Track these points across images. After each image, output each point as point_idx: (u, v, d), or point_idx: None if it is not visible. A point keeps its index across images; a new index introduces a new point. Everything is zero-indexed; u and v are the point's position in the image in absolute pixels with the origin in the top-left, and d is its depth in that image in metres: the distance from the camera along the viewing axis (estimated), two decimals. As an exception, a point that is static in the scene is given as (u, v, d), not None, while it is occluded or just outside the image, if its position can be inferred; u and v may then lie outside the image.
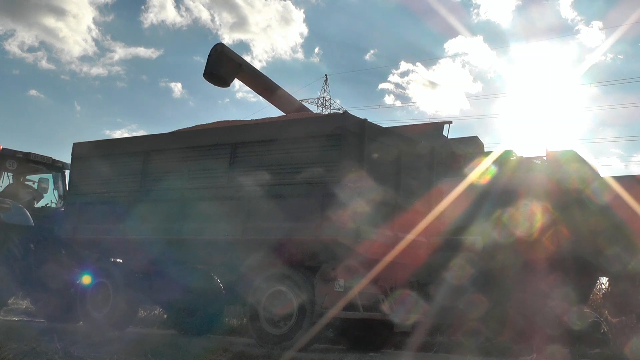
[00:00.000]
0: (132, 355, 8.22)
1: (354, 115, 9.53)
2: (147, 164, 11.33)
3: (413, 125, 13.62)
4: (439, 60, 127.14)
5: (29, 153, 14.92)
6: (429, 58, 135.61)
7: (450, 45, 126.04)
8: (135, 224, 11.16)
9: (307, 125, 10.24)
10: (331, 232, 8.91)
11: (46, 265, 13.71)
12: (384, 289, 10.23)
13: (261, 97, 14.04)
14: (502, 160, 11.65)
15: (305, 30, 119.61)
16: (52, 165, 15.29)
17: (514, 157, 11.84)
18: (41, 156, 15.14)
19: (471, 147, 12.58)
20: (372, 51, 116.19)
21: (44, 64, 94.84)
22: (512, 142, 12.22)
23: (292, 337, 9.16)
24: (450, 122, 12.90)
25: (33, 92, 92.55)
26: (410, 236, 9.76)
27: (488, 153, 12.13)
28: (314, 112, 15.66)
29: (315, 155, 9.33)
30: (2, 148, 14.63)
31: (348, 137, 9.14)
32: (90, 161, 12.33)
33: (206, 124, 11.74)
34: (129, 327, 11.98)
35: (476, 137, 12.83)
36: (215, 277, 12.25)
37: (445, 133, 12.91)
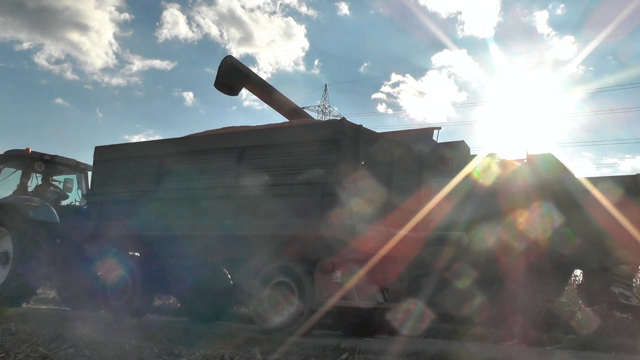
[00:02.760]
0: (150, 341, 8.38)
1: (350, 122, 9.77)
2: (162, 165, 11.48)
3: (405, 130, 13.82)
4: (427, 72, 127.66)
5: (55, 156, 15.17)
6: (417, 70, 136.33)
7: (437, 58, 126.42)
8: (151, 220, 11.31)
9: (307, 130, 10.46)
10: (329, 228, 9.12)
11: (71, 258, 13.92)
12: (378, 280, 10.38)
13: (266, 105, 14.30)
14: (486, 163, 11.81)
15: (306, 44, 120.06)
16: (76, 167, 15.52)
17: (497, 160, 12.01)
18: (66, 158, 15.38)
19: (458, 150, 12.74)
20: (365, 64, 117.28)
21: (69, 75, 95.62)
22: (495, 146, 12.37)
23: (294, 324, 9.43)
24: (439, 128, 13.14)
25: (59, 100, 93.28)
26: (402, 232, 9.97)
27: (473, 156, 12.29)
28: (315, 118, 15.75)
29: (315, 157, 9.55)
30: (31, 151, 14.86)
31: (345, 141, 9.36)
32: (110, 163, 12.47)
33: (216, 129, 11.95)
34: (146, 314, 12.14)
35: (463, 141, 12.98)
36: (224, 269, 12.53)
37: (434, 138, 13.12)
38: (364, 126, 9.75)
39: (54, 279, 14.69)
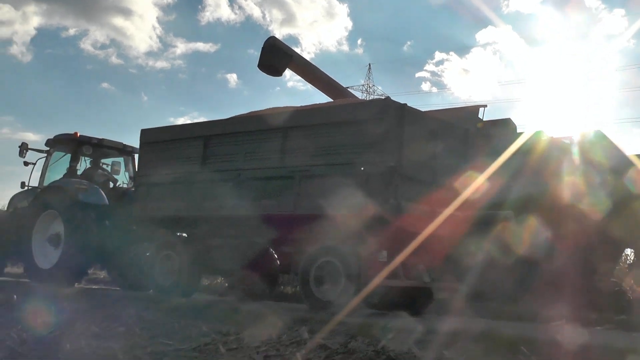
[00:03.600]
0: (199, 319, 8.55)
1: (394, 100, 9.77)
2: (207, 147, 11.59)
3: (450, 108, 13.66)
4: (472, 49, 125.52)
5: (103, 139, 15.39)
6: (461, 47, 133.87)
7: (482, 35, 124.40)
8: (197, 201, 11.46)
9: (352, 109, 10.46)
10: (375, 208, 9.17)
11: (119, 239, 14.10)
12: (424, 259, 10.35)
13: (310, 85, 14.26)
14: (534, 141, 11.67)
15: (349, 23, 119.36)
16: (123, 150, 15.73)
17: (544, 138, 11.85)
18: (113, 142, 15.62)
19: (504, 128, 12.62)
20: (409, 42, 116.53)
21: (114, 59, 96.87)
22: (542, 124, 12.16)
23: (340, 303, 9.37)
24: (485, 106, 13.01)
25: (105, 85, 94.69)
26: (447, 211, 9.84)
27: (520, 134, 12.16)
28: (359, 98, 15.63)
29: (360, 137, 9.57)
30: (79, 135, 15.08)
31: (389, 120, 9.37)
32: (156, 145, 12.63)
33: (260, 110, 11.97)
34: (193, 294, 12.21)
35: (509, 119, 12.83)
36: (270, 249, 12.57)
37: (480, 116, 13.01)
38: (408, 105, 9.70)
39: (104, 260, 15.05)
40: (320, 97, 15.04)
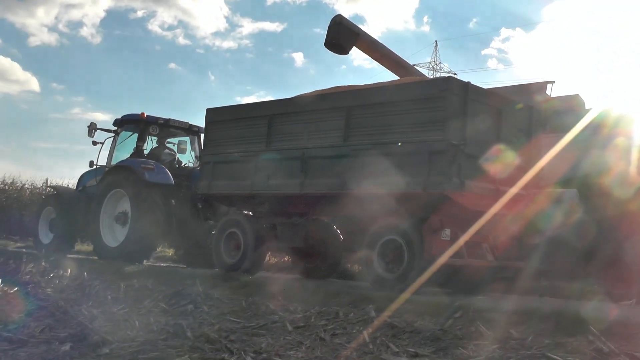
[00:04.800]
0: (265, 297, 8.69)
1: (457, 79, 9.82)
2: (272, 126, 11.58)
3: (518, 85, 13.38)
4: (538, 25, 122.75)
5: (169, 119, 15.60)
6: (528, 23, 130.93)
7: (549, 10, 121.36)
8: (262, 180, 11.49)
9: (415, 88, 10.36)
10: (438, 186, 9.14)
11: (186, 218, 14.37)
12: (487, 238, 10.37)
13: (376, 63, 14.17)
14: (603, 116, 11.42)
15: (415, 1, 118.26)
16: (189, 129, 15.87)
17: (614, 114, 11.57)
18: (179, 121, 15.79)
19: (573, 104, 12.39)
20: (475, 19, 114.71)
21: (181, 40, 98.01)
22: (612, 100, 11.82)
23: (404, 281, 9.37)
24: (552, 82, 12.76)
25: (172, 65, 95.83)
26: (512, 189, 9.80)
27: (589, 110, 11.91)
28: (426, 75, 15.57)
29: (423, 115, 9.47)
30: (146, 115, 15.32)
31: (452, 98, 9.24)
32: (221, 124, 12.68)
33: (324, 89, 11.90)
34: (259, 272, 12.29)
35: (577, 95, 12.55)
36: (335, 227, 12.61)
37: (548, 92, 12.77)
38: (472, 83, 9.61)
39: (171, 238, 15.32)
40: (387, 76, 14.98)
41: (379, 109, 10.17)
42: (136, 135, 15.75)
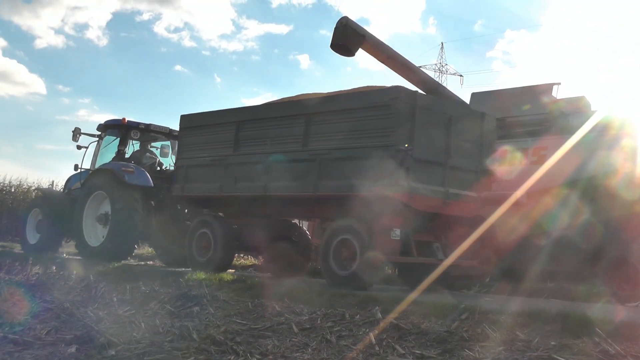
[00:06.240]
0: (271, 299, 8.58)
1: (406, 88, 10.50)
2: (239, 132, 12.27)
3: (524, 87, 13.39)
4: (543, 27, 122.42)
5: (150, 124, 16.07)
6: (533, 25, 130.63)
7: (551, 12, 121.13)
8: (230, 182, 12.17)
9: (367, 97, 10.87)
10: (386, 189, 9.71)
11: (165, 218, 14.81)
12: (438, 237, 10.95)
13: (382, 65, 14.14)
14: (609, 118, 11.40)
15: (421, 2, 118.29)
16: (169, 134, 16.24)
17: (620, 116, 11.55)
18: (160, 126, 16.27)
19: (579, 106, 12.37)
20: (480, 21, 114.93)
21: (187, 42, 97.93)
22: (618, 102, 11.80)
23: (356, 278, 9.95)
24: (558, 84, 12.76)
25: (178, 67, 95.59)
26: (462, 192, 10.59)
27: (595, 112, 11.90)
28: (432, 77, 15.56)
29: (374, 122, 10.18)
30: (127, 121, 15.77)
31: (400, 106, 9.94)
32: (193, 130, 13.42)
33: (288, 98, 12.68)
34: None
35: (583, 96, 12.55)
36: (301, 227, 13.70)
37: (554, 94, 12.76)
38: (419, 92, 10.55)
39: (150, 238, 15.83)
40: (394, 79, 14.91)
41: (335, 116, 10.89)
42: (119, 139, 16.19)
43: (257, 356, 6.19)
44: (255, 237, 12.55)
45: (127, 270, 11.94)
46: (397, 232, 10.05)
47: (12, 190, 27.22)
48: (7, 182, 27.40)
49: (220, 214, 13.15)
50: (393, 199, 9.76)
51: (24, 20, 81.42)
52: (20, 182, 27.67)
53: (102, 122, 16.50)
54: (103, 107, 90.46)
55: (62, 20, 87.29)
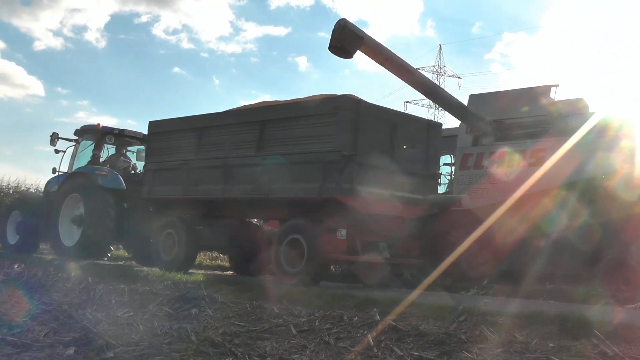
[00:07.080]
0: (269, 301, 8.56)
1: (351, 96, 11.31)
2: (201, 137, 13.07)
3: (522, 89, 13.42)
4: (541, 29, 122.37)
5: (124, 129, 16.77)
6: (531, 27, 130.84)
7: (550, 14, 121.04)
8: (192, 185, 12.94)
9: (314, 105, 11.55)
10: (331, 191, 10.51)
11: (135, 220, 15.21)
12: (384, 237, 11.46)
13: (381, 67, 14.13)
14: (608, 120, 11.41)
15: (419, 5, 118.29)
16: (143, 139, 16.52)
17: (618, 118, 11.56)
18: (134, 132, 16.90)
19: (577, 107, 12.39)
20: (478, 24, 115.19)
21: (185, 44, 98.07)
22: (616, 104, 11.80)
23: (305, 275, 10.66)
24: (557, 85, 12.79)
25: (176, 69, 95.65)
26: (406, 194, 11.31)
27: (592, 114, 11.92)
28: (431, 79, 15.73)
29: (320, 129, 10.95)
30: (101, 126, 16.37)
31: (344, 114, 10.72)
32: (161, 136, 14.13)
33: (250, 104, 13.51)
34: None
35: (582, 98, 12.58)
36: (260, 227, 14.51)
37: (552, 96, 12.78)
38: (364, 100, 11.22)
39: (122, 238, 16.29)
40: (392, 81, 15.01)
41: (286, 123, 11.69)
42: (93, 144, 16.67)
43: (256, 358, 6.19)
44: (217, 237, 13.36)
45: (127, 272, 12.01)
46: (343, 232, 10.79)
47: (11, 192, 27.22)
48: (5, 184, 27.46)
49: (185, 215, 13.48)
50: (336, 200, 10.49)
51: (23, 22, 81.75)
52: (19, 184, 27.73)
53: (79, 127, 17.09)
54: (101, 109, 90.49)
55: (61, 23, 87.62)
